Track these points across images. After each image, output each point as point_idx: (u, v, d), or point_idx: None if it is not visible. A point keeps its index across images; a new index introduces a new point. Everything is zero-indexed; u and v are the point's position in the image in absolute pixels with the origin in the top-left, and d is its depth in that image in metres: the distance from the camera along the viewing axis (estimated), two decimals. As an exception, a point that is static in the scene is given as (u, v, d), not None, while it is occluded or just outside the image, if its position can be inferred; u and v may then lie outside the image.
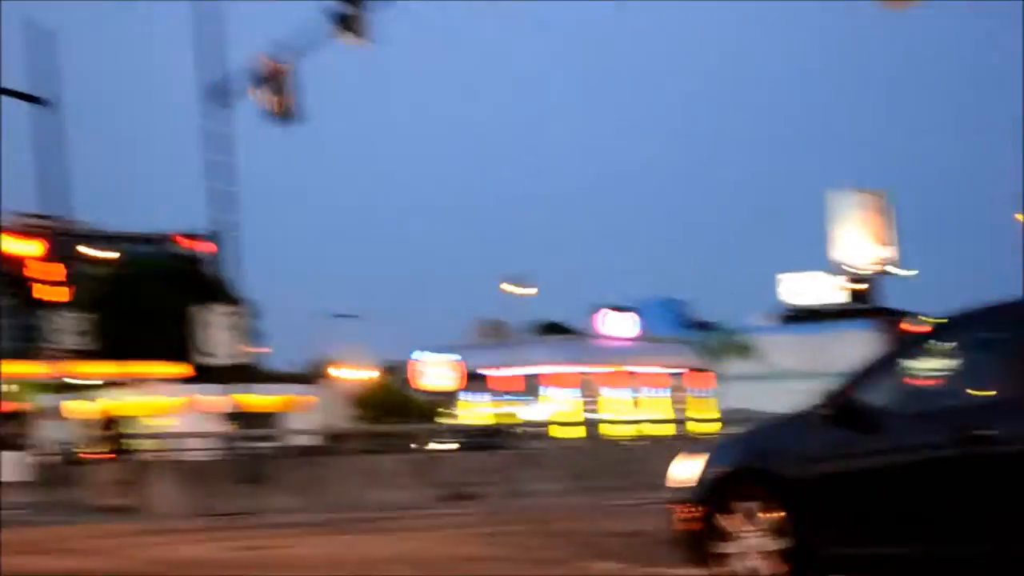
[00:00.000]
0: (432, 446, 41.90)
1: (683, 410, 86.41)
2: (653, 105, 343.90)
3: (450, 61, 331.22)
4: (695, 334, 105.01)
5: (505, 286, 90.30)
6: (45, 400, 41.41)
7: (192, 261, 36.96)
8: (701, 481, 12.14)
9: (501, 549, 19.43)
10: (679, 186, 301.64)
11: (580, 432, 55.79)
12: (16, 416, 32.85)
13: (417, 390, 55.84)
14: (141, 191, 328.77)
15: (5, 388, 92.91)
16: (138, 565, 18.00)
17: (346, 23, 30.57)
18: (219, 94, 33.82)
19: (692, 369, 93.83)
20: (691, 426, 54.31)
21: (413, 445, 46.65)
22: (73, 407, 40.59)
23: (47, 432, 39.91)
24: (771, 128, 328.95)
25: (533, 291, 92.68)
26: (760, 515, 11.50)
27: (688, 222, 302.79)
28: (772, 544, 11.38)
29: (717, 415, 71.32)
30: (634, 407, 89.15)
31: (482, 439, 46.13)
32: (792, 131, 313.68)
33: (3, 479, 31.86)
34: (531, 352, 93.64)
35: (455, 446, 46.01)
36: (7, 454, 31.96)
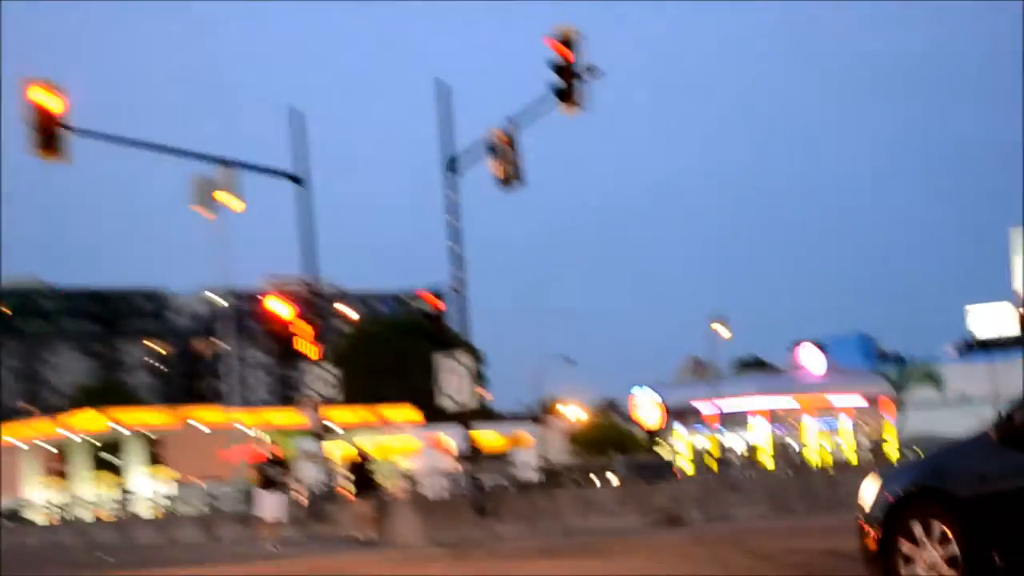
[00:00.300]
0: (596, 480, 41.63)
1: (873, 437, 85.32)
2: (845, 147, 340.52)
3: (647, 117, 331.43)
4: (883, 366, 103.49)
5: (712, 326, 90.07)
6: (302, 444, 42.22)
7: (429, 315, 37.37)
8: (884, 500, 12.09)
9: (707, 568, 19.40)
10: (868, 226, 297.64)
11: (778, 459, 55.41)
12: (277, 460, 33.46)
13: (635, 424, 55.95)
14: (385, 253, 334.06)
15: (267, 435, 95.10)
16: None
17: (563, 95, 30.99)
18: (453, 165, 34.46)
19: (881, 398, 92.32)
20: (882, 450, 53.49)
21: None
22: (326, 450, 41.25)
23: (304, 473, 40.50)
24: (960, 165, 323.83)
25: (729, 334, 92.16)
26: (937, 531, 11.42)
27: (877, 259, 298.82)
28: (948, 557, 11.29)
29: (904, 440, 70.12)
30: (828, 435, 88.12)
31: (647, 472, 45.86)
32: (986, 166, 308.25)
33: (263, 518, 32.46)
34: (734, 386, 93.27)
35: (616, 480, 45.65)
36: (269, 494, 32.50)
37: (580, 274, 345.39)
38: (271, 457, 33.65)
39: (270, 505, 32.31)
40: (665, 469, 41.07)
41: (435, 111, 34.97)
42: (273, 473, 32.97)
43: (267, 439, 36.51)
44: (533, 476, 48.94)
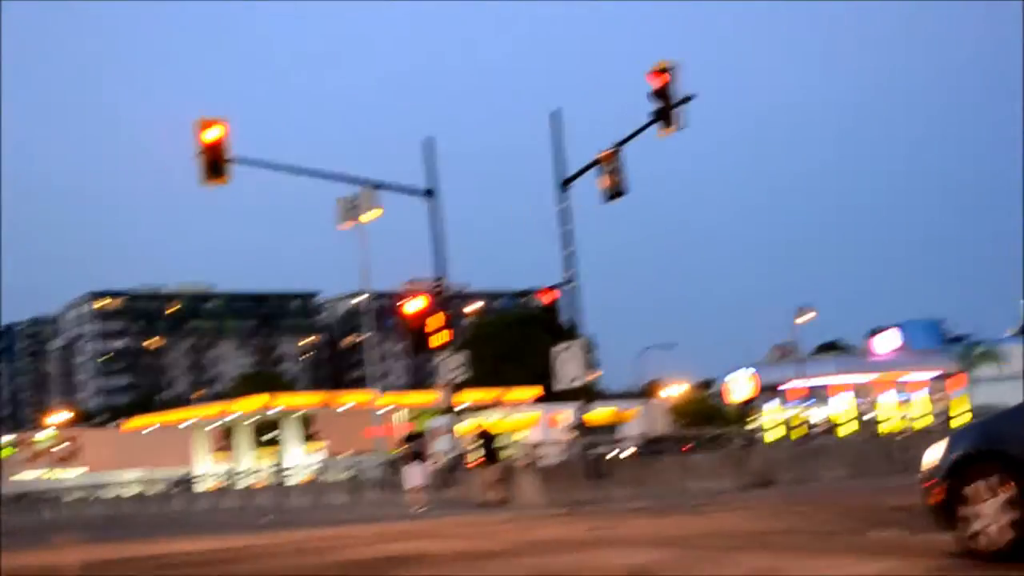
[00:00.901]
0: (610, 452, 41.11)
1: (941, 408, 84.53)
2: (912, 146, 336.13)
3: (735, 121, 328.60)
4: (952, 347, 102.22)
5: (796, 311, 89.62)
6: (436, 422, 42.60)
7: (547, 309, 37.74)
8: (948, 461, 12.00)
9: (795, 523, 19.31)
10: (939, 215, 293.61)
11: (858, 429, 54.93)
12: (417, 435, 33.88)
13: (728, 402, 55.80)
14: (505, 257, 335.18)
15: (407, 413, 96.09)
16: (509, 544, 18.41)
17: (662, 118, 31.22)
18: (564, 181, 35.03)
19: (948, 374, 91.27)
20: (949, 420, 52.78)
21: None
22: (457, 426, 41.60)
23: (439, 447, 40.80)
24: None
25: (812, 319, 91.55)
26: (994, 489, 11.32)
27: (948, 245, 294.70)
28: (1004, 514, 11.19)
29: (969, 410, 69.23)
30: (901, 407, 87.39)
31: (653, 446, 45.45)
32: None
33: (409, 485, 32.79)
34: (818, 365, 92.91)
35: (631, 450, 45.02)
36: (413, 465, 32.86)
37: (681, 268, 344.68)
38: (413, 433, 34.07)
39: (414, 474, 32.63)
40: (673, 444, 40.72)
41: (550, 135, 35.59)
42: (416, 446, 33.27)
43: (406, 418, 36.85)
44: (638, 446, 48.74)
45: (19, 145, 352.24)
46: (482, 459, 34.54)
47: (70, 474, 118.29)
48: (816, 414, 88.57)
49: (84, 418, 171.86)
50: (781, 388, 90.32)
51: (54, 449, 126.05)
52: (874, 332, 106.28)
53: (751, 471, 35.56)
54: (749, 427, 54.60)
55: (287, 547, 21.72)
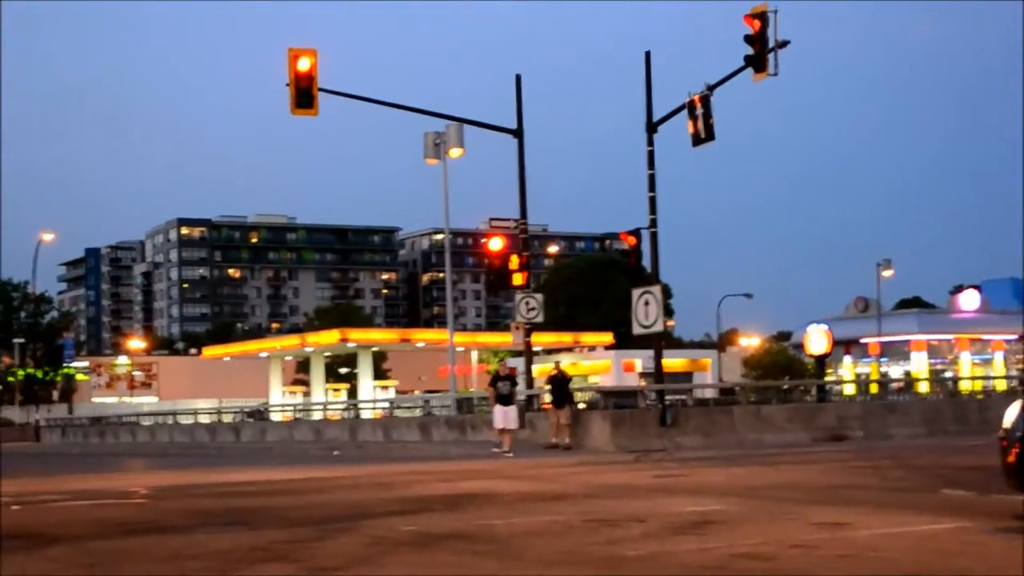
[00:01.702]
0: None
1: (1020, 367, 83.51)
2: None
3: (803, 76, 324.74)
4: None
5: (879, 265, 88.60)
6: (509, 363, 42.62)
7: (627, 253, 37.47)
8: (1021, 422, 11.81)
9: (866, 479, 19.18)
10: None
11: (935, 387, 54.45)
12: (506, 377, 33.72)
13: (808, 354, 55.42)
14: (585, 199, 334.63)
15: (487, 355, 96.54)
16: (576, 488, 18.43)
17: (756, 61, 30.88)
18: (651, 124, 34.81)
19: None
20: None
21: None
22: (531, 368, 41.59)
23: (513, 388, 40.73)
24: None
25: (892, 273, 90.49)
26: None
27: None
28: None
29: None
30: (980, 367, 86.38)
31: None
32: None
33: (499, 427, 32.81)
34: (896, 321, 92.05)
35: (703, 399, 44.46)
36: (500, 407, 32.87)
37: (760, 218, 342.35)
38: (502, 374, 33.91)
39: (503, 416, 32.64)
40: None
41: (641, 77, 35.26)
42: (503, 387, 33.21)
43: (499, 360, 36.79)
44: (712, 394, 48.62)
45: (109, 73, 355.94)
46: (554, 402, 34.50)
47: (146, 400, 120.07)
48: (893, 370, 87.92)
49: (162, 345, 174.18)
50: (860, 342, 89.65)
51: (131, 375, 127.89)
52: (956, 290, 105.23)
53: (823, 425, 35.34)
54: (824, 381, 54.16)
55: (358, 480, 21.89)
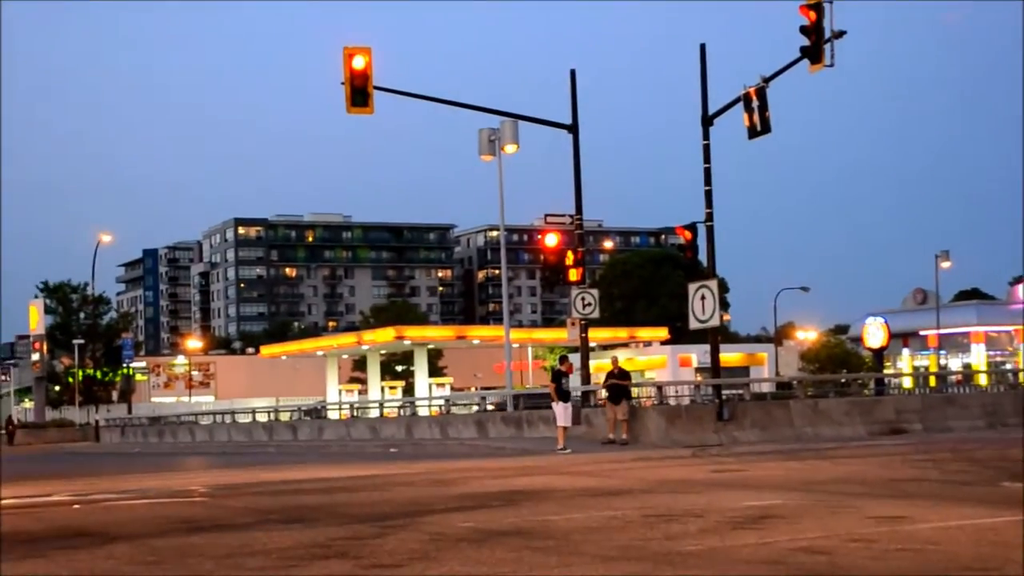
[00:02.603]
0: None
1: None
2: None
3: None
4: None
5: (937, 257, 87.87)
6: (567, 359, 42.59)
7: (683, 248, 37.41)
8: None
9: (925, 472, 19.05)
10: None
11: (993, 379, 53.96)
12: (565, 373, 33.67)
13: (866, 347, 55.15)
14: (640, 194, 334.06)
15: (542, 351, 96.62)
16: (634, 483, 18.42)
17: (812, 52, 30.77)
18: (707, 117, 34.75)
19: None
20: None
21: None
22: (588, 364, 41.57)
23: (570, 385, 40.71)
24: None
25: (950, 263, 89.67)
26: None
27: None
28: None
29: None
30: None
31: (782, 390, 44.82)
32: None
33: (559, 423, 32.73)
34: (955, 313, 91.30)
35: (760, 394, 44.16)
36: (560, 404, 32.81)
37: (817, 210, 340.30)
38: (561, 370, 33.85)
39: (564, 412, 32.59)
40: (802, 389, 39.98)
41: (694, 70, 35.22)
42: (564, 384, 33.20)
43: (560, 357, 36.66)
44: (769, 388, 48.42)
45: (166, 73, 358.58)
46: (610, 398, 34.47)
47: (204, 399, 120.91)
48: (952, 363, 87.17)
49: (219, 344, 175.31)
50: (919, 334, 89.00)
51: (189, 374, 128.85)
52: (1016, 281, 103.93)
53: (882, 419, 35.13)
54: (882, 374, 53.84)
55: (415, 477, 21.98)
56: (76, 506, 18.24)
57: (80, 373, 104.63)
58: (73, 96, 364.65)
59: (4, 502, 20.03)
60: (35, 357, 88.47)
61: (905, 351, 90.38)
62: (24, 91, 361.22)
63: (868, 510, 13.02)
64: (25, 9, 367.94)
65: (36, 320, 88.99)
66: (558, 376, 33.62)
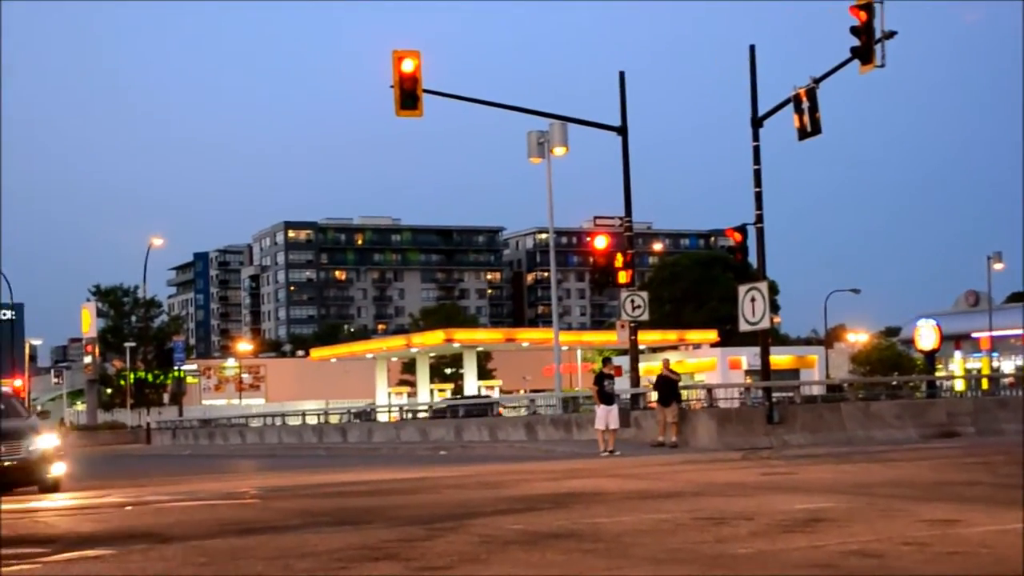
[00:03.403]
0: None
1: None
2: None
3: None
4: None
5: (989, 259, 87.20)
6: (614, 361, 42.59)
7: (733, 250, 37.28)
8: None
9: (977, 475, 18.91)
10: None
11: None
12: (608, 376, 33.60)
13: (918, 349, 54.85)
14: (688, 196, 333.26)
15: (592, 354, 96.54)
16: (682, 485, 18.37)
17: (862, 52, 30.61)
18: (757, 119, 34.65)
19: None
20: None
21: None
22: (638, 367, 41.49)
23: (617, 387, 40.71)
24: None
25: (1002, 265, 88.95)
26: None
27: None
28: None
29: None
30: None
31: (833, 393, 44.65)
32: None
33: (600, 427, 32.65)
34: (1007, 316, 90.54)
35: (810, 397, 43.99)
36: (605, 406, 32.74)
37: (868, 212, 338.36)
38: (607, 372, 33.77)
39: (605, 415, 32.53)
40: (853, 392, 39.72)
41: (743, 72, 35.11)
42: (609, 387, 33.12)
43: (604, 359, 36.64)
44: (819, 391, 48.18)
45: (215, 76, 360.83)
46: (660, 400, 34.43)
47: (254, 402, 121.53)
48: (1005, 365, 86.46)
49: (269, 347, 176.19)
50: (971, 337, 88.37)
51: (240, 377, 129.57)
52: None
53: (933, 421, 34.90)
54: (934, 376, 53.48)
55: (464, 480, 21.99)
56: (128, 508, 18.37)
57: (132, 376, 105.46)
58: (126, 99, 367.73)
59: (58, 504, 20.25)
60: (87, 360, 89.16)
61: (957, 353, 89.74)
62: (78, 94, 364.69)
63: (920, 513, 12.93)
64: (92, 9, 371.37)
65: (88, 323, 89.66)
66: (600, 379, 33.59)
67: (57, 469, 24.67)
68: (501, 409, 58.73)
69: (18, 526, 15.21)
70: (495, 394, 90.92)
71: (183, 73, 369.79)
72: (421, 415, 62.41)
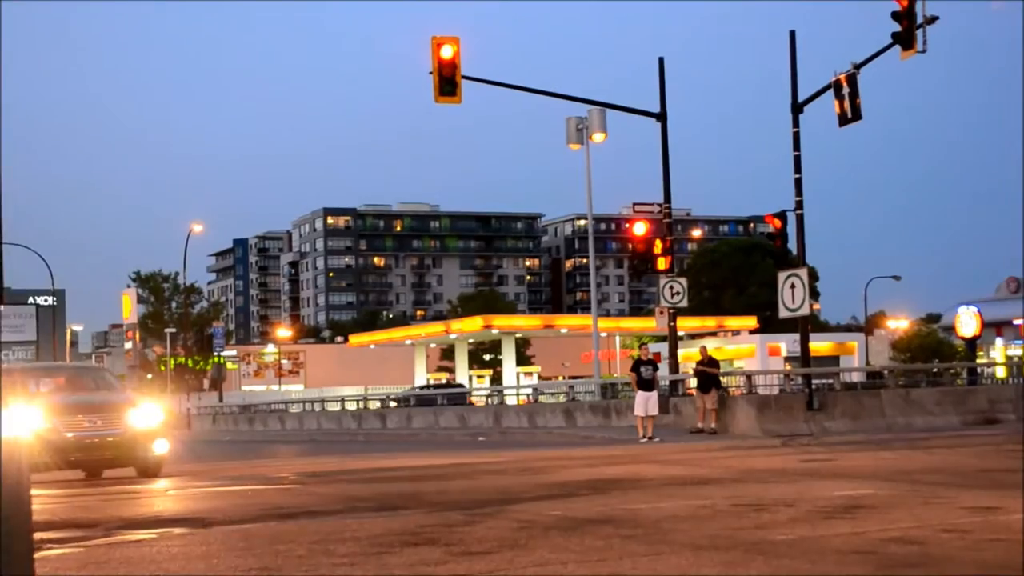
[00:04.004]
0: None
1: None
2: None
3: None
4: None
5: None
6: (653, 348, 42.65)
7: (773, 236, 37.09)
8: None
9: (1017, 462, 18.80)
10: None
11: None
12: (648, 362, 33.46)
13: (959, 336, 54.56)
14: (728, 182, 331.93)
15: (630, 340, 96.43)
16: (721, 472, 18.36)
17: (903, 38, 30.42)
18: (797, 105, 34.48)
19: None
20: None
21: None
22: (678, 353, 41.41)
23: (654, 374, 40.67)
24: None
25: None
26: None
27: None
28: None
29: None
30: None
31: (873, 379, 44.48)
32: None
33: (640, 414, 32.56)
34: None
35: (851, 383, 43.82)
36: (643, 392, 32.64)
37: (909, 197, 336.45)
38: (644, 359, 33.68)
39: (644, 402, 32.46)
40: (893, 378, 39.44)
41: (783, 57, 34.91)
42: (646, 372, 33.02)
43: (639, 344, 36.59)
44: (859, 377, 47.97)
45: (255, 64, 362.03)
46: (699, 387, 34.36)
47: (293, 388, 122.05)
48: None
49: (308, 333, 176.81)
50: (1012, 323, 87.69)
51: (279, 363, 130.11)
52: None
53: (974, 408, 34.70)
54: (975, 363, 53.19)
55: (503, 466, 22.04)
56: (170, 492, 18.51)
57: (172, 361, 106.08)
58: (169, 89, 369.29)
59: (103, 488, 20.38)
60: (128, 346, 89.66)
61: (999, 340, 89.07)
62: (125, 81, 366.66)
63: (961, 500, 12.88)
64: (122, 8, 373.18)
65: (129, 309, 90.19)
66: (637, 365, 33.51)
67: (159, 447, 21.97)
68: (472, 399, 60.25)
69: (58, 510, 15.34)
70: (534, 380, 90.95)
71: (224, 63, 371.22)
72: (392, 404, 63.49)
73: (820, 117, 34.53)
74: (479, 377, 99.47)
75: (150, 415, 22.01)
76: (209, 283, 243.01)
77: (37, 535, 8.71)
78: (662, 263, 38.98)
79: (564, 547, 10.33)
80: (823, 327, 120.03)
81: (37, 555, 8.04)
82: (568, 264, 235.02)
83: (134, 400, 22.66)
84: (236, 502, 15.94)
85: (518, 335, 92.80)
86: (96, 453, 21.24)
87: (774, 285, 35.14)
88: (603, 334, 75.63)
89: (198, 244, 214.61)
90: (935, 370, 56.18)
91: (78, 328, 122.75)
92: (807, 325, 35.95)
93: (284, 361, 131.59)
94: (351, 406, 67.64)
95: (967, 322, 49.72)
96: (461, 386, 78.66)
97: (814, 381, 35.51)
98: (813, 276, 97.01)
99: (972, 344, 53.53)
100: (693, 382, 36.00)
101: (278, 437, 58.24)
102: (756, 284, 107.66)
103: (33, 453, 17.61)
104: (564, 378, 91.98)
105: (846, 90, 32.49)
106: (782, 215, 35.00)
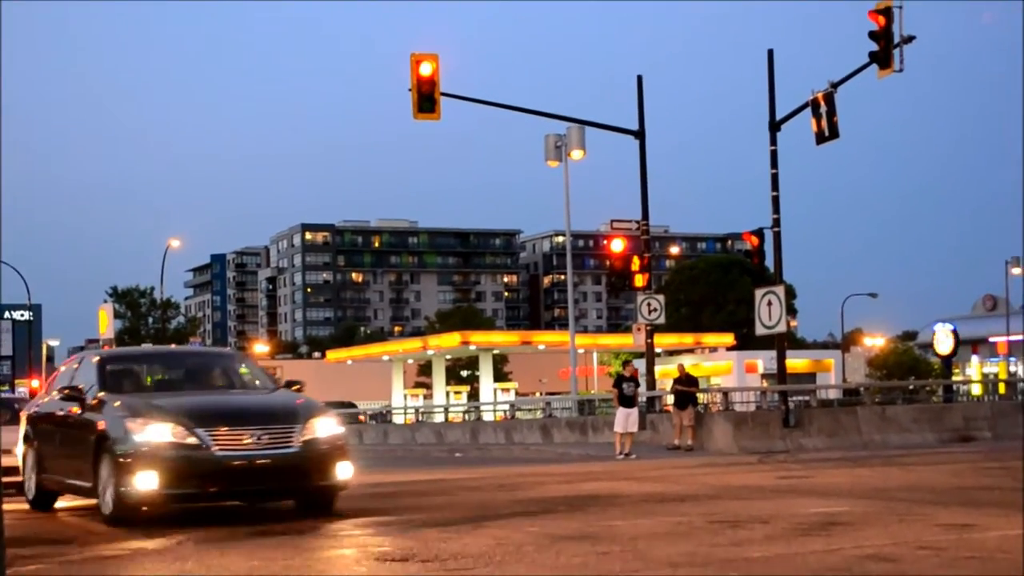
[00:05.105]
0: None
1: None
2: None
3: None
4: None
5: (1005, 264, 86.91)
6: (631, 364, 42.62)
7: (750, 254, 37.19)
8: None
9: (994, 480, 18.89)
10: None
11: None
12: (630, 379, 33.51)
13: (938, 353, 54.82)
14: (704, 199, 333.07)
15: (608, 357, 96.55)
16: (698, 489, 18.37)
17: (880, 57, 30.58)
18: (774, 123, 34.60)
19: None
20: None
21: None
22: (654, 370, 41.45)
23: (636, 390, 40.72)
24: None
25: (1020, 269, 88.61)
26: None
27: None
28: None
29: None
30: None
31: (849, 396, 44.63)
32: None
33: (619, 430, 32.54)
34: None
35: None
36: (623, 409, 32.66)
37: (886, 215, 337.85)
38: (626, 375, 33.71)
39: (624, 418, 32.47)
40: (869, 396, 39.65)
41: (763, 77, 35.07)
42: (629, 389, 33.05)
43: (624, 362, 36.62)
44: (835, 395, 48.12)
45: (232, 77, 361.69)
46: (674, 404, 34.42)
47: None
48: (1022, 369, 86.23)
49: (286, 349, 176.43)
50: (988, 341, 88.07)
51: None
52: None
53: (950, 426, 34.82)
54: (951, 381, 53.38)
55: (480, 482, 22.01)
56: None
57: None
58: (144, 102, 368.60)
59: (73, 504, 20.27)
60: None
61: (974, 358, 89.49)
62: (97, 96, 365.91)
63: (936, 518, 12.91)
64: (107, 9, 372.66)
65: (106, 324, 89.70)
66: (620, 381, 33.57)
67: (343, 471, 15.33)
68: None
69: (69, 523, 15.25)
70: (511, 396, 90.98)
71: (199, 75, 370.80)
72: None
73: (798, 135, 34.69)
74: (456, 393, 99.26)
75: (331, 426, 15.39)
76: (186, 298, 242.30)
77: None
78: (640, 280, 39.05)
79: (540, 563, 10.33)
80: (800, 344, 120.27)
81: None
82: (546, 280, 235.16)
83: (312, 406, 15.77)
84: (212, 511, 15.85)
85: (496, 351, 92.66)
86: (259, 480, 14.80)
87: (751, 302, 35.24)
88: (581, 351, 75.60)
89: (176, 259, 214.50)
90: (911, 387, 56.40)
91: (54, 343, 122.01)
92: (784, 342, 36.05)
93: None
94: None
95: (943, 339, 49.92)
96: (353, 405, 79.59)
97: (791, 398, 35.59)
98: (790, 293, 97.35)
99: (948, 361, 53.73)
100: (670, 399, 36.06)
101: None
102: (734, 301, 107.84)
103: (169, 476, 14.25)
104: (541, 394, 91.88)
105: (823, 108, 32.65)
106: (759, 232, 35.11)
